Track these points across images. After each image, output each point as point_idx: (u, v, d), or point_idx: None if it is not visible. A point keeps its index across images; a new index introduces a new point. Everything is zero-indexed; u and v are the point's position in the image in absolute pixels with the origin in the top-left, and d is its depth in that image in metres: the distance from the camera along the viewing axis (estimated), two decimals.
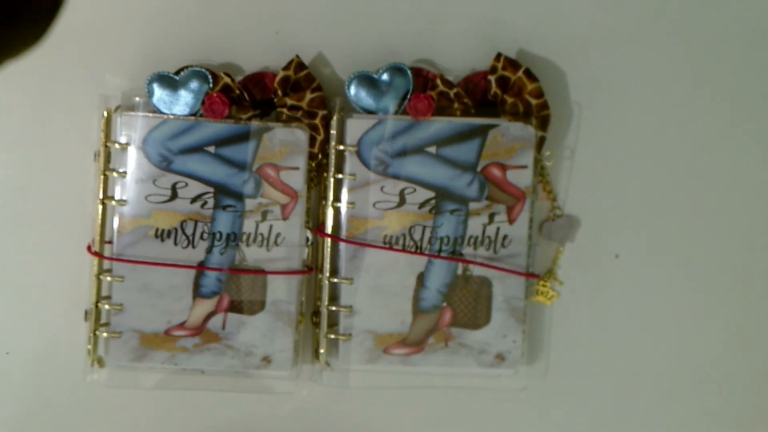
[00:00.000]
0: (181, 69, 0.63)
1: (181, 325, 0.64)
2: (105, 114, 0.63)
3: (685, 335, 0.68)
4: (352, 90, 0.64)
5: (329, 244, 0.64)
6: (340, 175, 0.64)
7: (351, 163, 0.63)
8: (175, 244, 0.63)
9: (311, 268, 0.65)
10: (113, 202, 0.63)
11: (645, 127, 0.67)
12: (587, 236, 0.68)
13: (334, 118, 0.64)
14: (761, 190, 0.68)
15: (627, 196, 0.68)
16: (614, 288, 0.68)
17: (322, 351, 0.65)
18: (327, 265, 0.64)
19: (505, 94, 0.64)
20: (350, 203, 0.64)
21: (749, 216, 0.68)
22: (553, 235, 0.67)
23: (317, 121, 0.64)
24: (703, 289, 0.68)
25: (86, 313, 0.64)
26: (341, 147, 0.63)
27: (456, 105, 0.64)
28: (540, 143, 0.65)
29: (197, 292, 0.64)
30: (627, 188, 0.68)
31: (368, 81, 0.64)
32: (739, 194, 0.68)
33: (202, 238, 0.63)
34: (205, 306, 0.64)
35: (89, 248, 0.64)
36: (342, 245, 0.64)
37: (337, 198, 0.64)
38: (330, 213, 0.64)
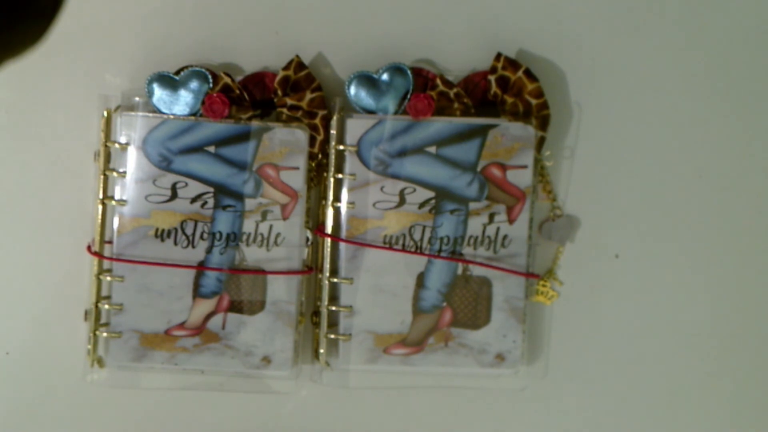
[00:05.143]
0: (181, 69, 0.63)
1: (181, 325, 0.64)
2: (105, 114, 0.63)
3: (685, 335, 0.68)
4: (352, 90, 0.64)
5: (329, 244, 0.64)
6: (340, 175, 0.64)
7: (351, 163, 0.63)
8: (175, 244, 0.63)
9: (311, 268, 0.65)
10: (113, 202, 0.63)
11: (645, 127, 0.67)
12: (587, 236, 0.68)
13: (334, 118, 0.64)
14: (761, 190, 0.68)
15: (627, 196, 0.68)
16: (614, 288, 0.68)
17: (322, 351, 0.65)
18: (327, 265, 0.64)
19: (505, 94, 0.64)
20: (350, 203, 0.64)
21: (749, 216, 0.68)
22: (553, 235, 0.67)
23: (317, 121, 0.64)
24: (703, 289, 0.68)
25: (86, 313, 0.64)
26: (341, 147, 0.63)
27: (456, 105, 0.64)
28: (540, 143, 0.65)
29: (197, 292, 0.64)
30: (627, 188, 0.68)
31: (368, 81, 0.64)
32: (739, 194, 0.68)
33: (202, 238, 0.63)
34: (205, 306, 0.64)
35: (89, 248, 0.64)
36: (342, 245, 0.64)
37: (337, 198, 0.64)
38: (330, 213, 0.64)
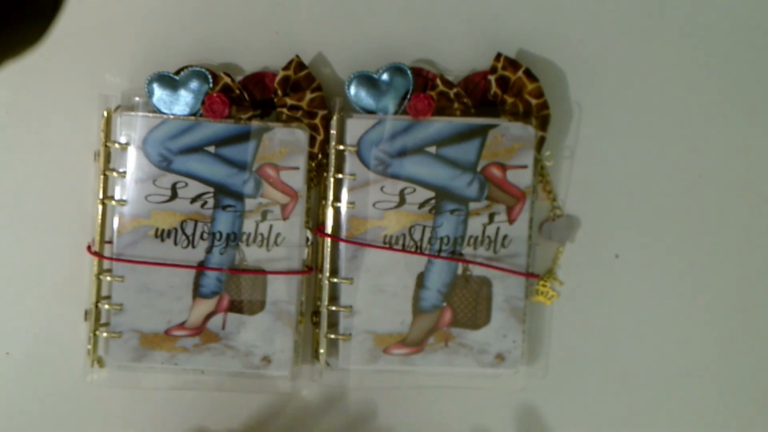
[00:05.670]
0: (181, 69, 0.63)
1: (181, 325, 0.64)
2: (105, 114, 0.63)
3: (684, 335, 0.68)
4: (352, 90, 0.64)
5: (329, 244, 0.64)
6: (340, 175, 0.64)
7: (351, 163, 0.63)
8: (175, 244, 0.63)
9: (311, 269, 0.65)
10: (113, 202, 0.63)
11: (645, 127, 0.67)
12: (587, 236, 0.68)
13: (334, 117, 0.64)
14: (761, 190, 0.68)
15: (627, 196, 0.68)
16: (614, 288, 0.68)
17: (322, 351, 0.65)
18: (327, 265, 0.64)
19: (505, 94, 0.64)
20: (350, 203, 0.64)
21: (749, 216, 0.68)
22: (553, 235, 0.67)
23: (317, 121, 0.64)
24: (703, 289, 0.68)
25: (86, 313, 0.64)
26: (341, 147, 0.63)
27: (456, 105, 0.64)
28: (540, 143, 0.65)
29: (197, 292, 0.64)
30: (627, 188, 0.68)
31: (368, 81, 0.64)
32: (739, 194, 0.68)
33: (202, 238, 0.63)
34: (205, 306, 0.64)
35: (89, 248, 0.64)
36: (342, 245, 0.64)
37: (337, 198, 0.64)
38: (330, 213, 0.64)
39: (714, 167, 0.68)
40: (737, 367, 0.69)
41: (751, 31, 0.67)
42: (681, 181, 0.68)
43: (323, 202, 0.65)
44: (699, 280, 0.68)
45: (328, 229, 0.64)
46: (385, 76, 0.64)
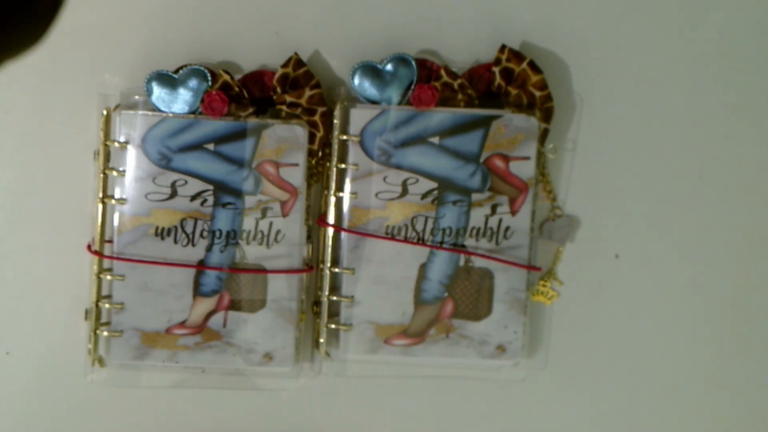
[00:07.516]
0: (180, 68, 0.63)
1: (182, 324, 0.64)
2: (104, 113, 0.63)
3: (684, 334, 0.69)
4: (356, 80, 0.63)
5: (331, 234, 0.64)
6: (342, 165, 0.63)
7: (354, 153, 0.63)
8: (175, 242, 0.63)
9: (311, 267, 0.65)
10: (113, 201, 0.63)
11: (646, 126, 0.67)
12: (587, 236, 0.68)
13: (338, 107, 0.64)
14: (761, 190, 0.68)
15: (627, 196, 0.67)
16: (614, 288, 0.68)
17: (322, 341, 0.65)
18: (328, 256, 0.64)
19: (509, 85, 0.64)
20: (353, 193, 0.64)
21: (749, 216, 0.68)
22: (553, 235, 0.67)
23: (316, 117, 0.63)
24: (703, 289, 0.68)
25: (87, 312, 0.64)
26: (344, 137, 0.63)
27: (460, 96, 0.64)
28: (543, 135, 0.64)
29: (197, 291, 0.64)
30: (627, 188, 0.67)
31: (372, 71, 0.64)
32: (740, 194, 0.68)
33: (201, 236, 0.63)
34: (206, 304, 0.64)
35: (89, 247, 0.64)
36: (344, 236, 0.64)
37: (339, 188, 0.64)
38: (332, 203, 0.64)
39: (714, 167, 0.68)
40: (736, 366, 0.69)
41: (756, 29, 0.67)
42: (681, 181, 0.68)
43: (325, 192, 0.64)
44: (699, 280, 0.68)
45: (330, 219, 0.64)
46: (389, 67, 0.63)
